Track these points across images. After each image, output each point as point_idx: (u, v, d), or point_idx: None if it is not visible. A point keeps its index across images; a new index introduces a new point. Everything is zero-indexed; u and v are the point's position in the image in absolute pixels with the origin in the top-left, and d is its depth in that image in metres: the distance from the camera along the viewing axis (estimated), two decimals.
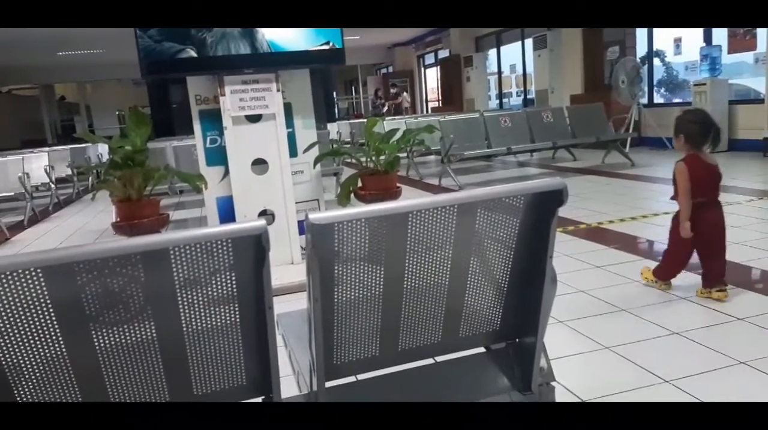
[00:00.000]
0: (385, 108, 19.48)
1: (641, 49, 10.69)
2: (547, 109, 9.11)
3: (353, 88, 26.82)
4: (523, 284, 1.54)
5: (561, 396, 1.90)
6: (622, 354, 2.51)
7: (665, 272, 3.22)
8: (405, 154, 8.16)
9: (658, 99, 10.79)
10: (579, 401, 2.15)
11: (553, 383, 1.67)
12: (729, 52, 8.86)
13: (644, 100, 10.09)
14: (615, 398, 2.16)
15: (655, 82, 10.70)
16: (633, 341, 2.62)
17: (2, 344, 1.16)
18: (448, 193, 1.38)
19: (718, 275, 3.02)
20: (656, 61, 10.70)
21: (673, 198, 3.05)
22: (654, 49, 10.51)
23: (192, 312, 1.29)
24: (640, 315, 2.91)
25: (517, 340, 1.66)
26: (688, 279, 3.41)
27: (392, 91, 20.40)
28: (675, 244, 3.11)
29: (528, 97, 15.01)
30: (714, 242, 3.02)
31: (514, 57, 15.72)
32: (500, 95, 16.80)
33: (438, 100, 19.80)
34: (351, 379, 1.55)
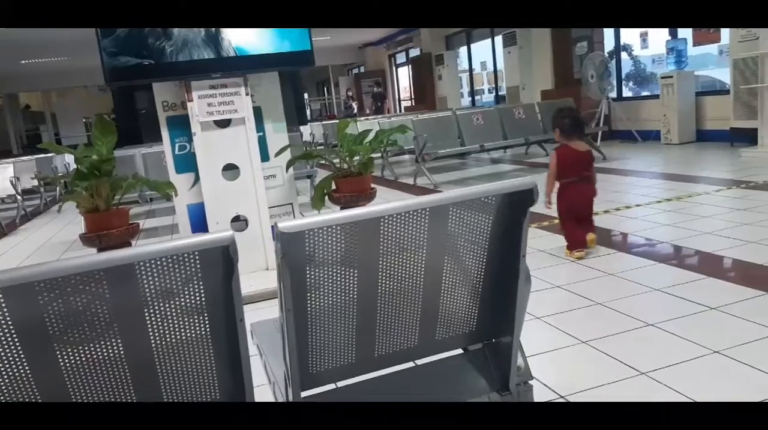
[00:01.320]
0: (355, 110, 19.52)
1: (609, 44, 10.85)
2: (519, 105, 9.19)
3: (325, 89, 26.73)
4: (497, 284, 1.53)
5: (539, 394, 1.91)
6: (598, 348, 2.53)
7: (571, 242, 3.78)
8: (379, 155, 8.15)
9: (627, 93, 10.97)
10: (557, 398, 2.16)
11: (531, 382, 1.68)
12: (694, 45, 9.04)
13: (613, 94, 10.24)
14: (593, 393, 2.17)
15: (623, 76, 10.87)
16: (609, 334, 2.65)
17: None
18: (420, 196, 1.36)
19: (582, 240, 3.70)
20: (624, 55, 10.87)
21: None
22: (621, 43, 10.67)
23: (160, 327, 1.25)
24: (616, 308, 2.94)
25: (493, 340, 1.65)
26: (663, 272, 3.46)
27: (376, 89, 20.45)
28: (561, 217, 3.86)
29: (499, 93, 15.13)
30: (583, 211, 3.76)
31: (484, 54, 15.84)
32: (472, 93, 16.90)
33: (410, 99, 19.84)
34: (330, 386, 1.53)
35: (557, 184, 3.77)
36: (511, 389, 1.61)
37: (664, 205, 5.11)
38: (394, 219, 1.34)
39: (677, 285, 3.15)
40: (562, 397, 2.16)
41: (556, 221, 4.82)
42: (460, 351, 1.69)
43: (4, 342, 1.13)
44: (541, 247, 4.08)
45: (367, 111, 19.62)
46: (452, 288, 1.52)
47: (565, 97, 9.08)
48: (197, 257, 1.20)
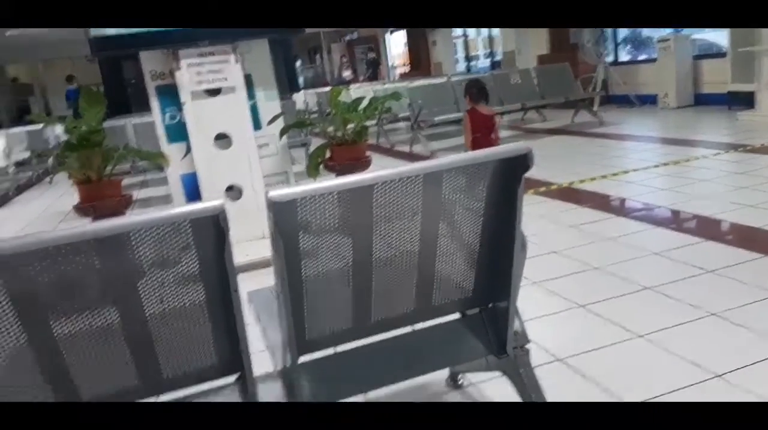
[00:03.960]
0: (349, 77, 19.25)
1: None
2: (515, 70, 9.08)
3: (318, 56, 26.32)
4: (493, 250, 1.52)
5: (537, 357, 1.92)
6: (596, 311, 2.54)
7: None
8: (374, 122, 8.07)
9: (623, 57, 10.82)
10: (554, 360, 2.18)
11: (528, 346, 1.68)
12: None
13: (610, 59, 10.11)
14: (590, 356, 2.19)
15: (619, 41, 10.71)
16: (606, 298, 2.66)
17: None
18: (414, 162, 1.34)
19: None
20: None
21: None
22: None
23: (154, 296, 1.24)
24: (614, 272, 2.94)
25: (490, 305, 1.65)
26: (661, 236, 3.46)
27: (369, 56, 20.14)
28: None
29: (495, 59, 14.92)
30: None
31: None
32: (468, 58, 16.67)
33: (405, 65, 19.58)
34: (328, 351, 1.53)
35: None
36: (508, 352, 1.62)
37: (661, 170, 5.10)
38: (388, 186, 1.32)
39: (675, 249, 3.16)
40: (559, 360, 2.18)
41: (554, 187, 4.81)
42: (457, 316, 1.69)
43: (0, 313, 1.12)
44: (539, 212, 4.07)
45: (361, 78, 19.37)
46: (448, 254, 1.50)
47: (561, 62, 8.96)
48: (189, 227, 1.18)
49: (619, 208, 4.19)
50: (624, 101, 9.59)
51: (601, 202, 4.24)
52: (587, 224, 3.78)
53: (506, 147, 1.38)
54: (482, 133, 4.30)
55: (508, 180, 1.42)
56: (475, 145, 4.27)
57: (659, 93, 8.88)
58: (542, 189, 4.75)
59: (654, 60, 9.07)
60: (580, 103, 8.44)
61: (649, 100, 9.21)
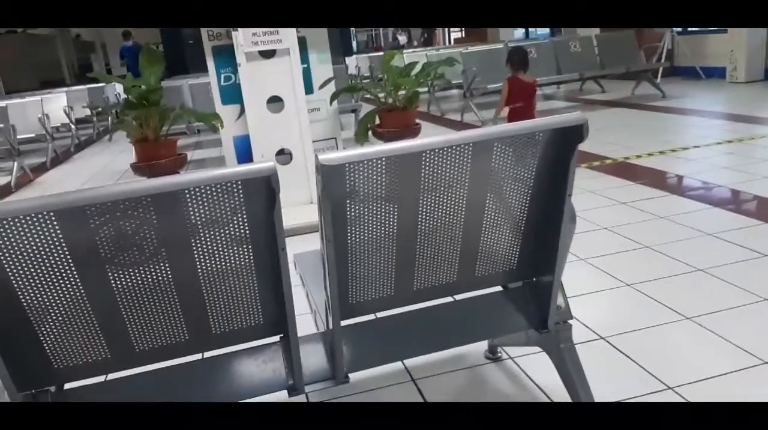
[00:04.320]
0: (403, 42, 18.93)
1: None
2: (575, 38, 8.73)
3: None
4: (541, 222, 1.50)
5: (579, 334, 1.90)
6: (643, 291, 2.48)
7: None
8: (426, 89, 7.96)
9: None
10: (597, 338, 2.15)
11: (570, 321, 1.66)
12: None
13: (678, 28, 9.60)
14: (634, 336, 2.15)
15: None
16: (655, 278, 2.59)
17: (23, 285, 1.18)
18: (466, 130, 1.32)
19: None
20: None
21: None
22: None
23: (206, 253, 1.28)
24: (665, 252, 2.86)
25: (534, 279, 1.64)
26: (717, 216, 3.33)
27: None
28: None
29: None
30: None
31: None
32: None
33: (461, 31, 19.14)
34: (368, 317, 1.56)
35: (506, 109, 4.43)
36: (549, 327, 1.61)
37: (724, 147, 4.86)
38: (436, 154, 1.31)
39: (731, 230, 3.03)
40: (601, 338, 2.15)
41: (608, 161, 4.67)
42: (499, 288, 1.68)
43: (60, 264, 1.18)
44: (590, 187, 3.97)
45: (415, 43, 19.05)
46: (494, 225, 1.49)
47: (625, 30, 8.57)
48: (240, 187, 1.21)
49: (676, 186, 4.03)
50: (690, 74, 9.13)
51: (657, 179, 4.09)
52: (641, 201, 3.66)
53: (561, 117, 1.35)
54: (525, 101, 4.31)
55: (561, 151, 1.39)
56: (517, 114, 4.25)
57: (728, 66, 8.40)
58: (596, 163, 4.61)
59: (725, 30, 8.57)
60: (642, 75, 8.08)
61: (716, 73, 8.73)
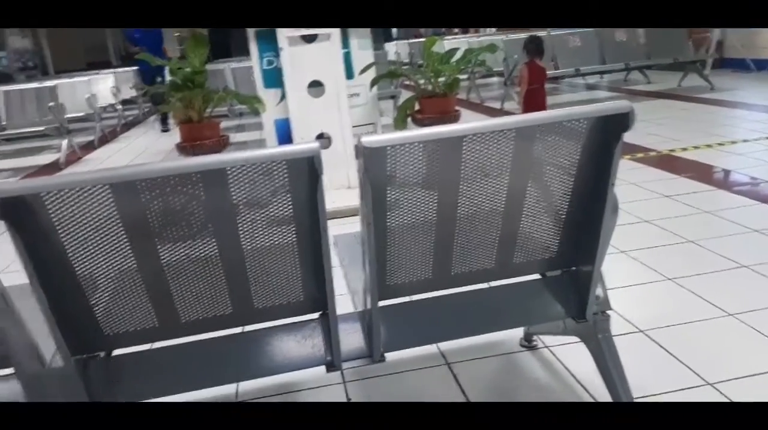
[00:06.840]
0: (443, 29, 18.69)
1: None
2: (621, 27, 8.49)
3: None
4: (582, 212, 1.49)
5: (617, 326, 1.88)
6: (685, 286, 2.43)
7: None
8: (466, 76, 7.88)
9: None
10: (635, 331, 2.13)
11: (608, 312, 1.65)
12: None
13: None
14: (674, 330, 2.12)
15: None
16: (698, 273, 2.53)
17: (78, 255, 1.24)
18: (506, 116, 1.32)
19: None
20: None
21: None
22: None
23: (250, 230, 1.32)
24: (709, 247, 2.79)
25: (573, 268, 1.63)
26: (764, 213, 3.23)
27: None
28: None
29: None
30: (540, 110, 4.45)
31: None
32: None
33: None
34: (406, 299, 1.58)
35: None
36: (587, 317, 1.60)
37: None
38: (478, 139, 1.32)
39: None
40: (640, 331, 2.13)
41: (653, 154, 4.57)
42: (537, 276, 1.68)
43: (113, 235, 1.24)
44: (633, 179, 3.89)
45: (456, 30, 18.82)
46: (534, 213, 1.49)
47: None
48: (285, 167, 1.24)
49: (722, 181, 3.92)
50: (740, 66, 8.79)
51: (702, 173, 3.98)
52: (685, 194, 3.57)
53: (606, 105, 1.33)
54: (540, 83, 4.87)
55: (606, 139, 1.37)
56: (533, 95, 4.77)
57: None
58: (639, 155, 4.51)
59: None
60: (690, 66, 7.82)
61: None
